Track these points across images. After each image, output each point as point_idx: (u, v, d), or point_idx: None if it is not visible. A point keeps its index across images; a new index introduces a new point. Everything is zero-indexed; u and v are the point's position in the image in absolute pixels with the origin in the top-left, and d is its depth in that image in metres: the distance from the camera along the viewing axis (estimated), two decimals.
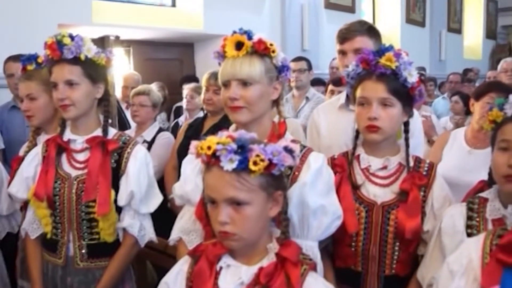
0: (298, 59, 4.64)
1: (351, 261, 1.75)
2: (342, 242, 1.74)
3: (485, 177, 1.73)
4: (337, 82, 3.73)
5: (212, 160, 1.27)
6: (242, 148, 1.25)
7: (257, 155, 1.24)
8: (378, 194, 1.72)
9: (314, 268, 1.36)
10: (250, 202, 1.27)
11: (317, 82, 4.99)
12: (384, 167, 1.75)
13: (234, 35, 1.60)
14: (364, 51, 1.77)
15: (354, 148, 1.81)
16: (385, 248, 1.71)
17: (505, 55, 9.23)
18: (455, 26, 10.82)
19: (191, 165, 1.72)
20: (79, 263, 1.90)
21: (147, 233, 1.98)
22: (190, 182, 1.70)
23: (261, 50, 1.59)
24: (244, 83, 1.57)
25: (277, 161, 1.26)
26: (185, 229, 1.73)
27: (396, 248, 1.71)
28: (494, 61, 11.04)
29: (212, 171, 1.29)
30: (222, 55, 1.63)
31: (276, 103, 1.69)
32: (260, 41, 1.58)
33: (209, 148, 1.26)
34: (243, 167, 1.24)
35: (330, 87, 4.00)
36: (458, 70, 7.75)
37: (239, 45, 1.59)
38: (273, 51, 1.61)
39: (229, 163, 1.24)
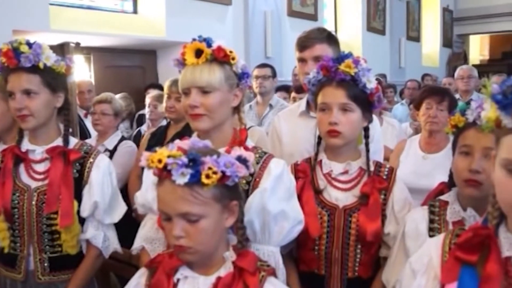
0: (262, 65, 4.65)
1: (314, 265, 1.76)
2: (305, 246, 1.76)
3: (439, 180, 1.79)
4: (300, 89, 3.77)
5: (163, 174, 1.24)
6: (194, 162, 1.22)
7: (210, 168, 1.21)
8: (340, 198, 1.75)
9: (272, 273, 1.35)
10: (205, 215, 1.24)
11: (281, 89, 5.02)
12: (346, 172, 1.77)
13: (194, 43, 1.60)
14: (324, 58, 1.79)
15: (317, 153, 1.83)
16: (348, 251, 1.74)
17: (461, 63, 9.56)
18: (414, 35, 11.11)
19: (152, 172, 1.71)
20: (40, 277, 1.85)
21: (111, 244, 1.95)
22: (152, 190, 1.68)
23: (221, 58, 1.59)
24: (204, 91, 1.58)
25: (231, 173, 1.24)
26: (148, 237, 1.72)
27: (358, 250, 1.74)
28: (450, 68, 11.38)
29: (164, 185, 1.25)
30: (182, 63, 1.63)
31: (237, 110, 1.70)
32: (219, 49, 1.58)
33: (159, 161, 1.23)
34: (195, 181, 1.21)
35: (293, 94, 4.04)
36: (417, 77, 7.95)
37: (198, 53, 1.59)
38: (233, 58, 1.61)
39: (180, 177, 1.20)
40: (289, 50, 6.77)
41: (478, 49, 14.86)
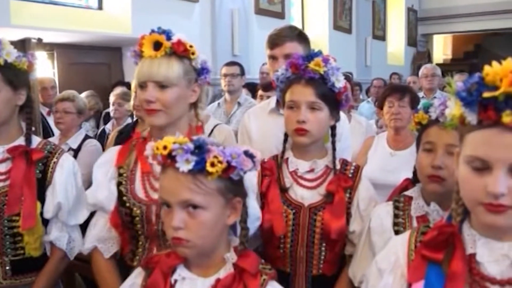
0: (231, 63, 4.63)
1: (279, 263, 1.76)
2: (271, 244, 1.75)
3: (406, 176, 1.81)
4: (266, 87, 3.77)
5: (167, 161, 1.20)
6: (200, 149, 1.18)
7: (215, 157, 1.17)
8: (306, 196, 1.75)
9: (274, 277, 1.30)
10: (206, 206, 1.20)
11: (244, 86, 5.02)
12: (312, 170, 1.77)
13: (152, 34, 1.56)
14: (294, 55, 1.79)
15: (283, 151, 1.83)
16: (312, 249, 1.74)
17: (425, 62, 9.75)
18: (379, 34, 11.28)
19: (103, 170, 1.68)
20: (1, 281, 1.77)
21: (77, 245, 1.89)
22: (102, 189, 1.66)
23: (180, 52, 1.56)
24: (161, 85, 1.54)
25: (236, 164, 1.20)
26: (101, 237, 1.69)
27: (323, 248, 1.75)
28: (415, 67, 11.60)
29: (167, 173, 1.22)
30: (139, 55, 1.59)
31: (194, 106, 1.67)
32: (179, 42, 1.55)
33: (165, 148, 1.19)
34: (199, 169, 1.17)
35: (260, 92, 4.04)
36: (382, 75, 8.07)
37: (157, 45, 1.55)
38: (193, 53, 1.58)
39: (185, 164, 1.17)
40: (256, 48, 6.84)
41: (442, 48, 15.21)
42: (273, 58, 2.21)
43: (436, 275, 1.07)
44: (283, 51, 2.16)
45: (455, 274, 1.04)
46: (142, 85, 1.57)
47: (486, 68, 0.94)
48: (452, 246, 1.08)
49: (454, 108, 1.00)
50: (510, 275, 1.02)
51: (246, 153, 1.24)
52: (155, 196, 1.61)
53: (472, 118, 0.97)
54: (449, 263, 1.06)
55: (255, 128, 2.26)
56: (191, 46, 1.57)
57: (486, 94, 0.92)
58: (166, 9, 5.80)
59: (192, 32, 6.08)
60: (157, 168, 1.64)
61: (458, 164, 1.05)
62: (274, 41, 2.19)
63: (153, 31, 1.56)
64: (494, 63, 0.93)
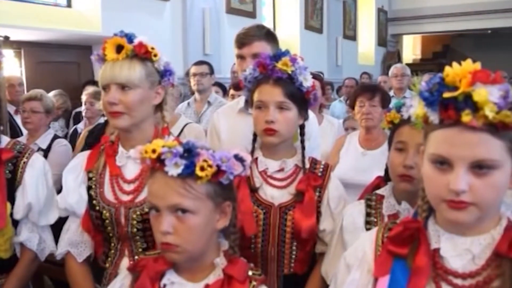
0: (200, 63, 4.61)
1: (250, 263, 1.76)
2: (242, 245, 1.72)
3: (377, 175, 1.83)
4: (238, 86, 3.77)
5: (156, 165, 1.19)
6: (189, 152, 1.17)
7: (205, 160, 1.17)
8: (276, 196, 1.75)
9: (264, 282, 1.30)
10: (196, 211, 1.19)
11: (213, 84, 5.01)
12: (281, 169, 1.78)
13: (114, 38, 1.57)
14: (261, 55, 1.78)
15: (252, 151, 1.82)
16: (283, 248, 1.75)
17: (395, 62, 9.91)
18: (350, 34, 11.40)
19: (73, 175, 1.69)
20: None
21: (47, 246, 1.87)
22: (73, 194, 1.66)
23: (142, 54, 1.57)
24: (124, 88, 1.55)
25: (226, 168, 1.19)
26: (73, 241, 1.69)
27: (294, 247, 1.75)
28: (385, 67, 11.76)
29: (156, 177, 1.20)
30: (102, 58, 1.59)
31: (159, 108, 1.68)
32: (140, 45, 1.56)
33: (154, 151, 1.18)
34: (189, 173, 1.16)
35: (232, 91, 4.04)
36: (353, 75, 8.16)
37: (119, 48, 1.56)
38: (155, 55, 1.59)
39: (174, 168, 1.16)
40: (227, 47, 6.83)
41: (411, 48, 15.47)
42: (241, 57, 2.20)
43: (401, 269, 1.09)
44: (251, 51, 2.15)
45: (419, 268, 1.07)
46: (105, 88, 1.58)
47: (447, 69, 0.96)
48: (417, 242, 1.10)
49: (417, 108, 1.03)
50: (472, 268, 1.05)
51: (236, 156, 1.23)
52: (124, 198, 1.63)
53: (434, 117, 0.99)
54: (414, 258, 1.08)
55: (225, 128, 2.26)
56: (152, 48, 1.58)
57: (446, 94, 0.94)
58: (136, 7, 5.75)
59: (163, 31, 6.04)
60: (126, 171, 1.66)
61: (423, 162, 1.07)
62: (242, 40, 2.19)
63: (115, 34, 1.57)
64: (454, 64, 0.96)
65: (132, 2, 5.73)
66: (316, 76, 3.57)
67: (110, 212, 1.62)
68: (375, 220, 1.60)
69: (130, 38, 1.56)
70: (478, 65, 0.96)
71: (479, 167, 0.97)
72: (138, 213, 1.60)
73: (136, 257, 1.62)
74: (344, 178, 2.17)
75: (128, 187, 1.64)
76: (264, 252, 1.75)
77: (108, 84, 1.56)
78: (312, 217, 1.72)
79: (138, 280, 1.27)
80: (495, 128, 0.95)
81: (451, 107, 0.95)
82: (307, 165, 1.79)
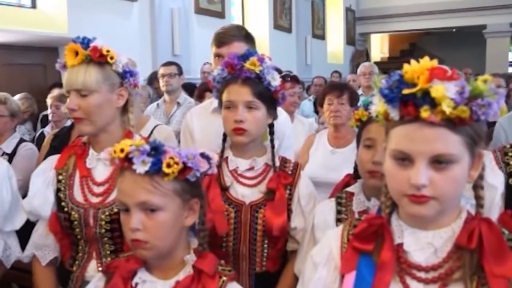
0: (168, 63, 4.58)
1: (222, 261, 1.77)
2: (213, 244, 1.73)
3: (347, 173, 1.85)
4: (200, 96, 3.80)
5: (125, 164, 1.22)
6: (156, 150, 1.21)
7: (171, 158, 1.20)
8: (246, 194, 1.77)
9: (234, 278, 1.33)
10: (164, 207, 1.22)
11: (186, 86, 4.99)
12: (252, 168, 1.79)
13: (70, 44, 1.58)
14: (229, 55, 1.79)
15: (222, 150, 1.83)
16: (255, 246, 1.76)
17: (363, 60, 10.03)
18: (319, 33, 11.50)
19: (42, 177, 1.68)
20: None
21: (13, 252, 1.83)
22: (39, 196, 1.66)
23: (97, 58, 1.57)
24: (81, 93, 1.56)
25: (192, 165, 1.23)
26: (38, 244, 1.69)
27: (265, 245, 1.77)
28: (354, 65, 11.90)
29: (124, 176, 1.23)
30: (64, 65, 1.61)
31: (124, 110, 1.68)
32: (94, 49, 1.56)
33: (122, 150, 1.21)
34: (156, 170, 1.20)
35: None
36: (323, 73, 8.23)
37: (77, 54, 1.57)
38: (111, 58, 1.59)
39: (141, 166, 1.19)
40: (197, 48, 6.81)
41: (379, 47, 15.69)
42: (219, 56, 2.19)
43: (366, 265, 1.11)
44: (230, 50, 2.12)
45: (384, 263, 1.09)
46: (67, 95, 1.60)
47: (405, 66, 0.99)
48: (381, 237, 1.12)
49: (378, 105, 1.05)
50: (434, 261, 1.08)
51: (202, 154, 1.27)
52: (93, 200, 1.63)
53: (394, 114, 1.02)
54: (379, 254, 1.11)
55: (198, 128, 2.25)
56: (108, 51, 1.58)
57: (405, 91, 0.97)
58: (103, 8, 5.67)
59: (132, 32, 5.97)
60: (96, 173, 1.66)
61: (385, 158, 1.10)
62: (222, 39, 2.18)
63: (73, 41, 1.58)
64: (413, 61, 0.98)
65: (99, 3, 5.65)
66: (292, 78, 3.62)
67: (78, 213, 1.61)
68: (346, 217, 1.62)
69: (86, 42, 1.56)
70: (435, 62, 0.98)
71: (438, 162, 1.00)
72: (107, 213, 1.60)
73: (104, 259, 1.62)
74: (314, 176, 2.18)
75: (98, 189, 1.64)
76: (236, 250, 1.76)
77: (68, 90, 1.57)
78: (283, 215, 1.74)
79: (110, 281, 1.29)
80: (452, 123, 0.98)
81: (410, 104, 0.97)
82: (277, 164, 1.80)
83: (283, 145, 2.14)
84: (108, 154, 1.25)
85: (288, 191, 1.78)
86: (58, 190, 1.66)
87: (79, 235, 1.64)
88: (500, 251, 1.04)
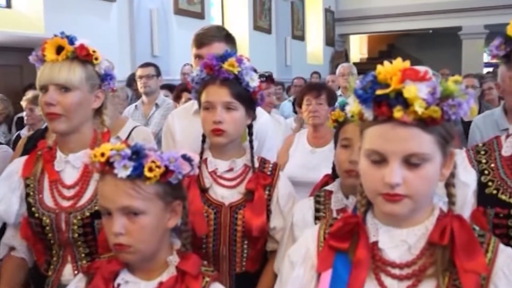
0: (145, 65, 4.57)
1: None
2: (193, 245, 1.73)
3: (326, 172, 1.87)
4: (178, 96, 3.79)
5: (105, 168, 1.21)
6: (137, 154, 1.21)
7: (153, 161, 1.20)
8: (226, 195, 1.77)
9: (217, 279, 1.33)
10: (146, 211, 1.22)
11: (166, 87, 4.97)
12: (231, 169, 1.79)
13: (54, 39, 1.55)
14: (207, 56, 1.79)
15: (202, 152, 1.83)
16: (235, 247, 1.77)
17: (342, 61, 10.08)
18: (299, 34, 11.54)
19: (7, 182, 1.66)
20: None
21: None
22: (4, 202, 1.64)
23: (83, 56, 1.56)
24: (63, 89, 1.53)
25: (174, 168, 1.23)
26: (7, 245, 1.70)
27: (245, 246, 1.78)
28: (333, 66, 11.97)
29: (105, 180, 1.23)
30: (41, 59, 1.57)
31: (99, 112, 1.67)
32: (81, 47, 1.55)
33: (102, 155, 1.20)
34: (138, 174, 1.20)
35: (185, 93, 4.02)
36: (302, 74, 8.26)
37: (59, 50, 1.54)
38: (96, 58, 1.59)
39: (123, 170, 1.19)
40: (176, 49, 6.78)
41: (358, 48, 15.82)
42: (199, 57, 2.18)
43: (342, 263, 1.13)
44: (210, 51, 2.11)
45: (360, 261, 1.11)
46: (43, 89, 1.55)
47: (378, 67, 1.01)
48: (357, 236, 1.14)
49: (353, 105, 1.07)
50: (408, 258, 1.10)
51: (184, 156, 1.27)
52: (64, 203, 1.61)
53: (368, 114, 1.04)
54: (354, 252, 1.13)
55: (179, 129, 2.24)
56: (94, 51, 1.57)
57: (379, 92, 0.99)
58: (81, 7, 5.60)
59: (110, 33, 5.92)
60: (65, 176, 1.64)
61: (360, 158, 1.12)
62: (202, 40, 2.18)
63: (55, 35, 1.56)
64: (386, 62, 1.01)
65: (76, 3, 5.58)
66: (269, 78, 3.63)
67: (50, 218, 1.59)
68: (324, 215, 1.64)
69: (71, 39, 1.54)
70: (407, 64, 1.01)
71: (411, 161, 1.02)
72: (79, 217, 1.58)
73: (79, 263, 1.61)
74: (294, 176, 2.20)
75: (68, 193, 1.62)
76: (216, 251, 1.76)
77: (46, 84, 1.53)
78: (262, 215, 1.75)
79: (92, 282, 1.29)
80: (425, 123, 1.00)
81: (383, 104, 1.00)
82: (256, 165, 1.81)
83: (265, 146, 2.15)
84: (88, 158, 1.24)
85: (267, 192, 1.79)
86: (27, 195, 1.64)
87: (52, 240, 1.62)
88: (471, 247, 1.07)
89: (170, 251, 1.32)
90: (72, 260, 1.62)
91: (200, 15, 7.76)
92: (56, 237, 1.61)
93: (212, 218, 1.75)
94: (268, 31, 9.97)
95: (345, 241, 1.15)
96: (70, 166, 1.64)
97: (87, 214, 1.57)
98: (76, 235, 1.59)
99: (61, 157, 1.65)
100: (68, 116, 1.54)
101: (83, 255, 1.62)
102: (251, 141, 1.83)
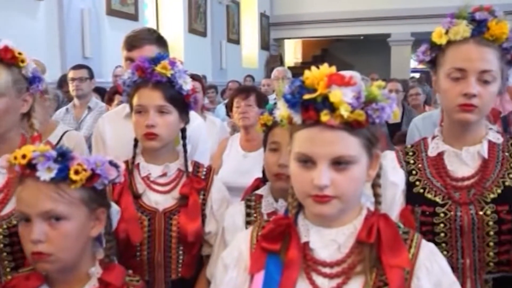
0: (78, 67, 4.44)
1: (137, 271, 1.70)
2: (127, 254, 1.71)
3: (259, 176, 1.89)
4: (110, 99, 3.71)
5: (26, 171, 1.15)
6: (63, 156, 1.16)
7: (79, 164, 1.16)
8: (160, 201, 1.75)
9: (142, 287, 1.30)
10: (69, 217, 1.17)
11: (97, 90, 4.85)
12: (164, 174, 1.77)
13: None
14: (139, 59, 1.76)
15: (134, 156, 1.80)
16: (170, 253, 1.75)
17: (277, 65, 10.22)
18: (234, 37, 11.58)
19: None
20: None
21: None
22: None
23: (8, 59, 1.48)
24: None
25: (101, 172, 1.19)
26: None
27: (180, 252, 1.76)
28: (268, 70, 12.11)
29: (26, 184, 1.16)
30: None
31: (27, 116, 1.60)
32: (6, 49, 1.48)
33: (23, 156, 1.14)
34: (63, 177, 1.15)
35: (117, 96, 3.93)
36: (237, 78, 8.32)
37: None
38: (22, 61, 1.52)
39: (46, 172, 1.13)
40: (109, 50, 6.62)
41: (293, 52, 16.11)
42: (130, 60, 2.12)
43: (274, 264, 1.15)
44: (141, 54, 2.07)
45: (291, 261, 1.13)
46: None
47: (306, 72, 1.04)
48: (289, 237, 1.17)
49: (282, 110, 1.10)
50: (338, 257, 1.13)
51: (111, 162, 1.24)
52: None
53: (297, 118, 1.07)
54: (286, 253, 1.15)
55: (110, 133, 2.19)
56: (20, 54, 1.50)
57: (306, 96, 1.02)
58: (5, 5, 5.29)
59: (38, 32, 5.66)
60: None
61: (290, 161, 1.14)
62: (132, 42, 2.14)
63: None
64: (313, 68, 1.04)
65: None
66: (195, 77, 3.61)
67: None
68: (255, 219, 1.65)
69: None
70: (333, 69, 1.04)
71: (339, 163, 1.06)
72: (4, 226, 1.49)
73: (3, 278, 1.51)
74: (227, 181, 2.20)
75: None
76: (151, 259, 1.73)
77: None
78: (197, 220, 1.74)
79: None
80: (350, 126, 1.04)
81: (311, 108, 1.03)
82: (190, 169, 1.80)
83: (198, 150, 2.14)
84: (6, 161, 1.18)
85: (201, 196, 1.78)
86: None
87: None
88: (396, 244, 1.12)
89: (92, 262, 1.28)
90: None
91: (134, 17, 7.61)
92: None
93: (146, 225, 1.72)
94: (203, 34, 9.94)
95: (277, 242, 1.17)
96: None
97: (14, 222, 1.47)
98: (1, 245, 1.49)
99: None
100: None
101: (8, 269, 1.50)
102: (184, 145, 1.82)
